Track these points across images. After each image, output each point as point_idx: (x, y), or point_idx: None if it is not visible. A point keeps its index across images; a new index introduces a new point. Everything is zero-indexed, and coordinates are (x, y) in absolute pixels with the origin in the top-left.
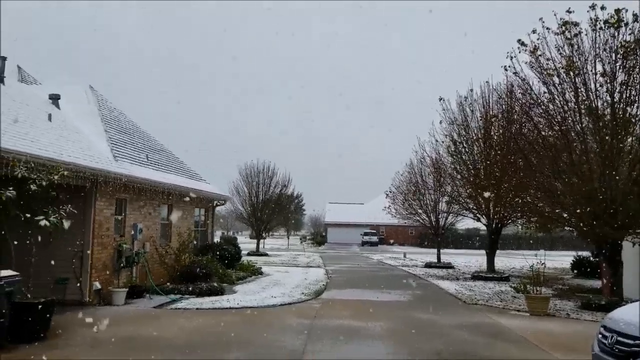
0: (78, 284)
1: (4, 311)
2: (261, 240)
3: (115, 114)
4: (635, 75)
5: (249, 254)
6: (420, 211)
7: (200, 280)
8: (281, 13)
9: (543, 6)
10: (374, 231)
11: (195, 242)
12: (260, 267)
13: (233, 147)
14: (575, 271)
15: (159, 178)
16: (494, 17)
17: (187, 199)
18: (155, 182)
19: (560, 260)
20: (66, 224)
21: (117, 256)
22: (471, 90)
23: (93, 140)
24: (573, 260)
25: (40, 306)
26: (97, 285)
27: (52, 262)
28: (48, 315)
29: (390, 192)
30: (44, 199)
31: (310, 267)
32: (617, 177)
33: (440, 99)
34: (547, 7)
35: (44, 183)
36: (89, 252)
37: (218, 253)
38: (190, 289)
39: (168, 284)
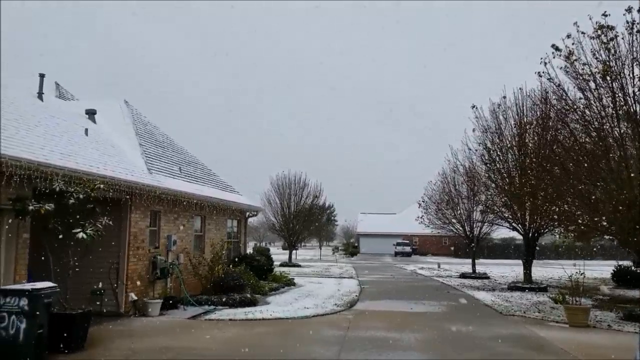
0: (114, 295)
1: (42, 322)
2: (293, 251)
3: (149, 128)
4: None
5: (281, 265)
6: (454, 221)
7: (233, 291)
8: (311, 19)
9: (576, 10)
10: (407, 241)
11: (228, 253)
12: (293, 278)
13: (265, 157)
14: (617, 281)
15: (192, 190)
16: (529, 22)
17: (220, 210)
18: (188, 194)
19: (600, 269)
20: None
21: (151, 267)
22: (504, 97)
23: (128, 153)
24: (614, 270)
25: (77, 317)
26: (133, 296)
27: (89, 274)
28: (85, 326)
29: (423, 201)
30: (81, 212)
31: (343, 277)
32: None
33: (473, 107)
34: (582, 12)
35: (81, 196)
36: (124, 263)
37: (251, 264)
38: (224, 299)
39: (202, 294)
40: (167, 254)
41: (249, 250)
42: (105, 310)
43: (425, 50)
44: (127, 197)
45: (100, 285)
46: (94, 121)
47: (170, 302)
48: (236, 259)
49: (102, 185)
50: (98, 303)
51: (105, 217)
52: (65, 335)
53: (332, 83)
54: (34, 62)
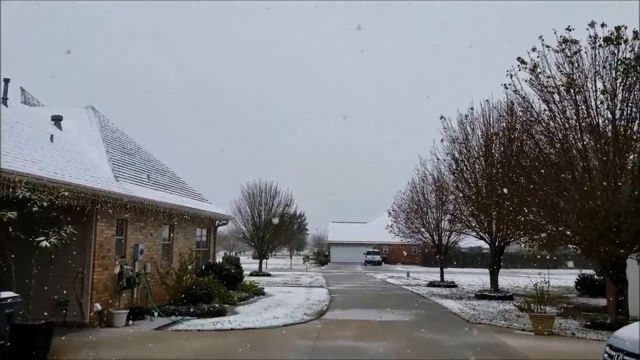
0: (79, 306)
1: (4, 334)
2: (264, 260)
3: (116, 135)
4: (635, 93)
5: (251, 274)
6: (422, 229)
7: (202, 301)
8: (273, 19)
9: (542, 24)
10: (377, 250)
11: (197, 263)
12: (263, 288)
13: (233, 165)
14: (580, 290)
15: (160, 198)
16: (497, 35)
17: (189, 219)
18: (156, 202)
19: (565, 278)
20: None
21: (118, 277)
22: (471, 108)
23: (94, 160)
24: (577, 279)
25: (40, 328)
26: (98, 306)
27: (53, 284)
28: (48, 337)
29: (393, 210)
30: (45, 220)
31: (313, 287)
32: (619, 194)
33: (442, 117)
34: (547, 26)
35: (45, 204)
36: (89, 273)
37: (220, 273)
38: (192, 310)
39: (169, 305)
40: (134, 263)
41: (219, 260)
42: (69, 321)
43: (388, 67)
44: (93, 205)
45: (65, 295)
46: (60, 128)
47: (137, 312)
48: (205, 269)
49: (67, 193)
50: (62, 314)
51: (70, 226)
52: (27, 347)
53: (298, 91)
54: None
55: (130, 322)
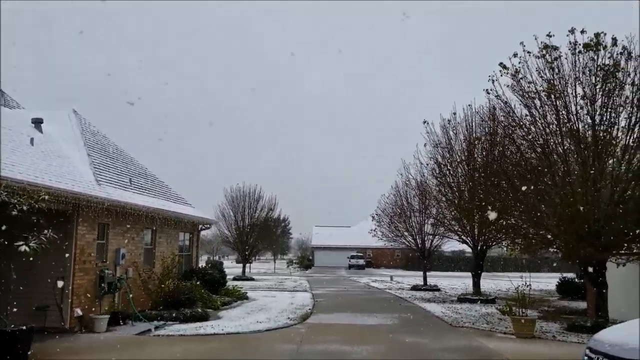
0: (59, 311)
1: None
2: (247, 265)
3: (98, 138)
4: (614, 98)
5: (234, 279)
6: (406, 233)
7: (184, 306)
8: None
9: (525, 30)
10: (361, 254)
11: (179, 267)
12: (246, 292)
13: (217, 169)
14: (561, 293)
15: (142, 202)
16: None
17: (171, 223)
18: (138, 206)
19: (546, 282)
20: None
21: (99, 282)
22: (454, 113)
23: (76, 164)
24: (558, 282)
25: (19, 334)
26: (79, 311)
27: (33, 289)
28: (28, 343)
29: (377, 214)
30: (25, 224)
31: (297, 291)
32: (599, 199)
33: (425, 122)
34: (528, 32)
35: (24, 208)
36: (70, 277)
37: (203, 278)
38: (174, 315)
39: (151, 310)
40: (115, 268)
41: (202, 264)
42: (49, 327)
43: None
44: (74, 209)
45: (45, 300)
46: (41, 130)
47: (118, 317)
48: (188, 273)
49: (47, 197)
50: (42, 319)
51: (51, 230)
52: (5, 353)
53: (282, 97)
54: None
55: (112, 327)
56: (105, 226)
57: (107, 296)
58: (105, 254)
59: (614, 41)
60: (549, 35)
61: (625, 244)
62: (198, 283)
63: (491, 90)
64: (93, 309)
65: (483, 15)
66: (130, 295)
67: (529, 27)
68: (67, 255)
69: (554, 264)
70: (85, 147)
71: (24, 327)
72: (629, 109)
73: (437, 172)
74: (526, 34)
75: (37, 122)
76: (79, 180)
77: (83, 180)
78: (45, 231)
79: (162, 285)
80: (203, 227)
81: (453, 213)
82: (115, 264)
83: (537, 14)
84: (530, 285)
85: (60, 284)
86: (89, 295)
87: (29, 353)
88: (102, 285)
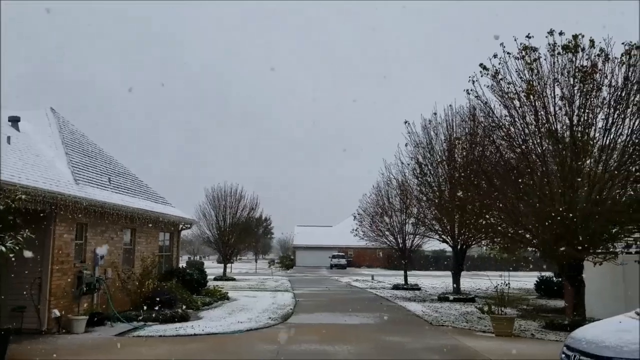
0: (36, 312)
1: None
2: (228, 265)
3: (77, 137)
4: (592, 99)
5: (215, 279)
6: (387, 233)
7: (164, 307)
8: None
9: (505, 31)
10: (343, 254)
11: (159, 267)
12: (227, 292)
13: (197, 170)
14: (540, 292)
15: (121, 201)
16: (460, 41)
17: (151, 222)
18: (117, 205)
19: (525, 280)
20: (27, 254)
21: (77, 282)
22: (435, 113)
23: (53, 162)
24: (537, 281)
25: None
26: (56, 312)
27: (9, 289)
28: (4, 345)
29: (358, 214)
30: (1, 224)
31: (278, 291)
32: (577, 198)
33: (406, 122)
34: (508, 33)
35: (0, 207)
36: (47, 278)
37: (183, 278)
38: (154, 315)
39: (131, 310)
40: (94, 268)
41: (183, 264)
42: (26, 328)
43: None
44: (52, 208)
45: (22, 301)
46: (18, 129)
47: (97, 318)
48: (168, 273)
49: (24, 196)
50: (18, 321)
51: (28, 230)
52: None
53: (270, 97)
54: None
55: (90, 328)
56: (83, 226)
57: (85, 297)
58: (83, 254)
59: (592, 43)
60: (528, 37)
61: (602, 244)
62: (178, 283)
63: (471, 90)
64: (71, 310)
65: (466, 15)
66: (110, 296)
67: (512, 28)
68: (44, 255)
69: (530, 266)
70: (63, 145)
71: (1, 328)
72: (605, 110)
73: (418, 171)
74: (507, 36)
75: (14, 121)
76: (57, 179)
77: (61, 180)
78: (22, 231)
79: (142, 286)
80: (183, 227)
81: (434, 212)
82: (94, 264)
83: (520, 16)
84: (509, 284)
85: (37, 284)
86: (67, 296)
87: (6, 355)
88: (81, 285)
